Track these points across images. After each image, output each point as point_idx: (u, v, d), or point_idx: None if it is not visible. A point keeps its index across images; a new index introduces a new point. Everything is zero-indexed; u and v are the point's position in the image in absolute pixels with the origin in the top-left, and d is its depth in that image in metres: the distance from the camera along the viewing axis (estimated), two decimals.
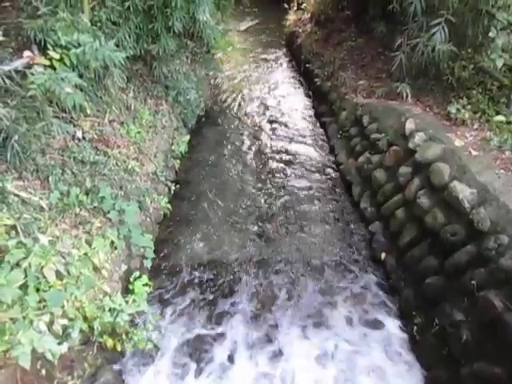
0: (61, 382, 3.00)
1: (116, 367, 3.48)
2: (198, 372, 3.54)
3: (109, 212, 3.94)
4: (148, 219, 4.74)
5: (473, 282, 3.32)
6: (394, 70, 5.82)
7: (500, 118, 4.58)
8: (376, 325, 3.96)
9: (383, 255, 4.57)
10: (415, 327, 3.79)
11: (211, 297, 4.20)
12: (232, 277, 4.42)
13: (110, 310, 3.33)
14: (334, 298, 4.18)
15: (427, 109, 5.37)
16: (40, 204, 3.45)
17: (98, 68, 4.00)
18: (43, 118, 3.64)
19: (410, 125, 4.89)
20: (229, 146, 7.08)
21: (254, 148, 7.04)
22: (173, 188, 5.56)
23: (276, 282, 4.35)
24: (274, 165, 6.51)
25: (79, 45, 3.57)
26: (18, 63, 3.40)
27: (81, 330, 3.08)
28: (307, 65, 9.36)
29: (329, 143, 7.07)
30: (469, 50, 5.51)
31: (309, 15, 10.73)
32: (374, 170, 5.27)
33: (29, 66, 3.37)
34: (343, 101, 6.96)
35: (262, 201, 5.65)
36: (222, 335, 3.82)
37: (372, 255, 4.71)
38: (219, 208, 5.49)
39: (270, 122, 7.95)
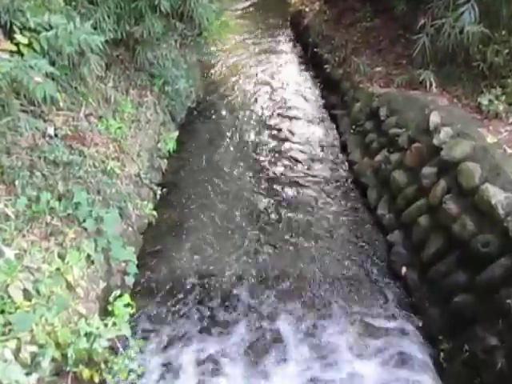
0: None
1: None
2: None
3: (85, 220, 3.96)
4: (130, 228, 4.76)
5: (509, 300, 3.33)
6: (416, 54, 5.85)
7: None
8: (396, 351, 3.95)
9: (404, 269, 4.58)
10: (442, 353, 3.79)
11: (203, 320, 4.20)
12: (228, 297, 4.42)
13: (86, 334, 3.33)
14: (347, 323, 4.18)
15: (455, 100, 5.40)
16: (5, 212, 3.47)
17: (73, 54, 4.02)
18: (8, 112, 3.66)
19: (434, 118, 4.92)
20: (224, 144, 7.12)
21: (253, 146, 7.09)
22: (159, 192, 5.59)
23: (279, 306, 4.34)
24: (276, 166, 6.54)
25: (51, 27, 3.61)
26: None
27: (52, 359, 3.09)
28: (315, 49, 9.40)
29: (340, 139, 7.10)
30: (503, 33, 5.52)
31: None
32: (393, 170, 5.29)
33: None
34: (357, 90, 6.99)
35: (263, 207, 5.68)
36: (214, 370, 3.81)
37: (391, 269, 4.72)
38: (213, 215, 5.51)
39: (272, 115, 8.00)
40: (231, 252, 4.97)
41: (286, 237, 5.18)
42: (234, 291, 4.51)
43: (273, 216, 5.54)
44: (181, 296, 4.43)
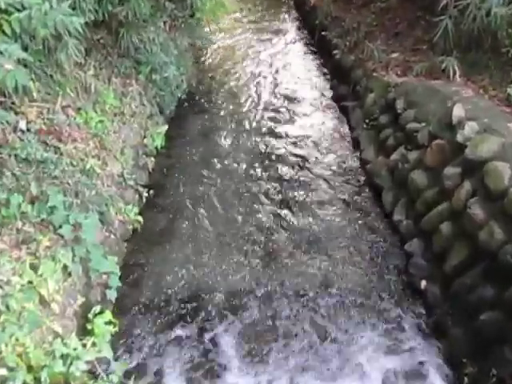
0: None
1: None
2: None
3: (61, 227, 3.97)
4: (112, 236, 4.77)
5: None
6: (438, 39, 5.89)
7: None
8: (415, 376, 3.96)
9: (424, 283, 4.59)
10: (466, 378, 3.78)
11: (193, 341, 4.17)
12: (221, 315, 4.40)
13: (62, 356, 3.33)
14: (358, 344, 4.17)
15: (481, 90, 5.43)
16: None
17: (48, 37, 4.05)
18: None
19: (458, 111, 4.94)
20: (219, 140, 7.16)
21: (252, 142, 7.12)
22: (145, 194, 5.61)
23: (281, 328, 4.29)
24: (279, 166, 6.57)
25: (23, 7, 3.62)
26: None
27: (24, 383, 3.08)
28: (323, 32, 9.45)
29: (352, 135, 7.13)
30: None
31: None
32: (411, 170, 5.31)
33: None
34: (371, 79, 7.03)
35: (264, 213, 5.69)
36: None
37: (409, 283, 4.73)
38: (206, 221, 5.53)
39: (274, 108, 8.05)
40: (226, 264, 4.96)
41: (290, 249, 5.18)
42: (228, 307, 4.49)
43: (276, 223, 5.54)
44: (170, 314, 4.41)
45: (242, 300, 4.58)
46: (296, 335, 4.24)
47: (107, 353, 3.60)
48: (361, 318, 4.41)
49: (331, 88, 8.59)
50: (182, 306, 4.50)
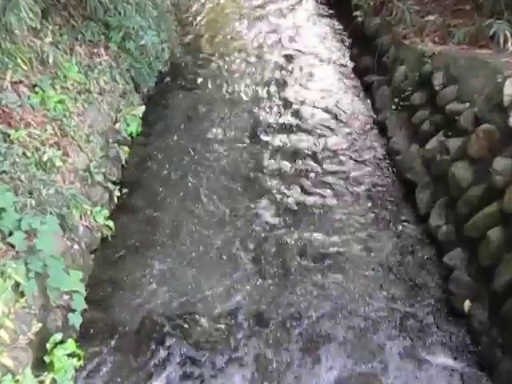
0: None
1: None
2: None
3: (11, 234, 3.97)
4: (76, 246, 4.77)
5: None
6: None
7: None
8: None
9: (467, 304, 4.59)
10: None
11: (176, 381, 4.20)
12: (209, 344, 4.41)
13: None
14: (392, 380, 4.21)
15: None
16: None
17: None
18: None
19: (510, 89, 4.94)
20: (209, 125, 7.15)
21: (251, 129, 7.12)
22: (117, 193, 5.62)
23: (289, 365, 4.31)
24: (285, 160, 6.59)
25: None
26: None
27: None
28: None
29: (377, 118, 7.14)
30: None
31: None
32: (452, 162, 5.31)
33: None
34: (401, 48, 7.01)
35: (264, 218, 5.70)
36: None
37: (449, 304, 4.75)
38: (191, 227, 5.54)
39: (279, 83, 8.06)
40: (217, 280, 4.97)
41: (305, 263, 5.18)
42: (221, 334, 4.50)
43: (279, 228, 5.58)
44: (147, 342, 4.41)
45: (232, 326, 4.59)
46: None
47: None
48: (389, 348, 4.44)
49: (351, 59, 8.59)
50: (162, 332, 4.51)
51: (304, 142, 6.95)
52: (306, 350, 4.39)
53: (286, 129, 7.20)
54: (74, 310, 4.24)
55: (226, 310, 4.71)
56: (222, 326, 4.58)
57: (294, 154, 6.71)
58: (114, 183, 5.72)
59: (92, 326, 4.50)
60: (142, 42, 6.58)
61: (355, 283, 5.01)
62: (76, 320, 4.23)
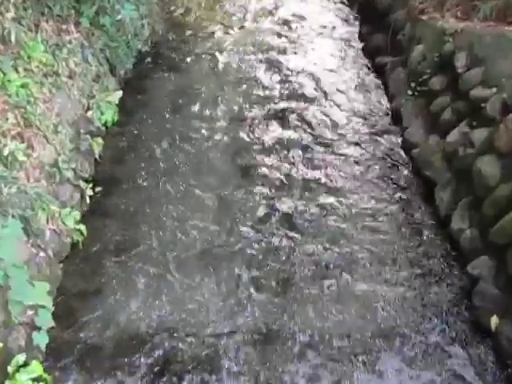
0: None
1: None
2: None
3: None
4: (42, 253, 4.78)
5: None
6: None
7: None
8: None
9: (494, 321, 4.61)
10: None
11: None
12: (196, 371, 4.42)
13: None
14: None
15: None
16: None
17: None
18: None
19: None
20: (195, 113, 7.21)
21: (245, 116, 7.19)
22: (89, 193, 5.64)
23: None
24: (285, 152, 6.66)
25: None
26: None
27: None
28: None
29: (391, 105, 7.20)
30: None
31: None
32: (478, 157, 5.34)
33: None
34: (418, 25, 7.06)
35: (263, 223, 5.76)
36: None
37: (473, 320, 4.78)
38: (174, 230, 5.58)
39: (278, 65, 8.12)
40: (206, 295, 4.99)
41: (301, 268, 5.24)
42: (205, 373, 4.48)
43: (279, 233, 5.63)
44: (122, 367, 4.41)
45: (234, 344, 4.62)
46: None
47: None
48: (405, 369, 4.48)
49: (361, 37, 8.67)
50: (141, 354, 4.51)
51: (305, 130, 7.04)
52: None
53: (282, 124, 7.22)
54: (39, 328, 4.25)
55: (219, 332, 4.73)
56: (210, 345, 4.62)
57: (291, 148, 6.76)
58: (86, 181, 5.75)
59: (60, 345, 4.50)
60: (119, 17, 6.59)
61: (370, 292, 5.05)
62: (42, 339, 4.24)
